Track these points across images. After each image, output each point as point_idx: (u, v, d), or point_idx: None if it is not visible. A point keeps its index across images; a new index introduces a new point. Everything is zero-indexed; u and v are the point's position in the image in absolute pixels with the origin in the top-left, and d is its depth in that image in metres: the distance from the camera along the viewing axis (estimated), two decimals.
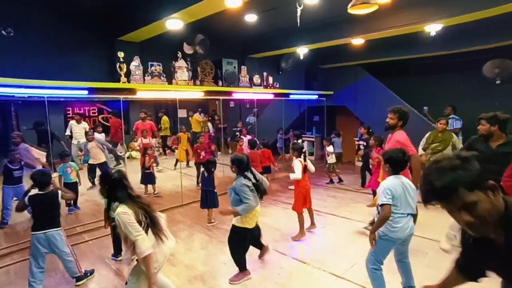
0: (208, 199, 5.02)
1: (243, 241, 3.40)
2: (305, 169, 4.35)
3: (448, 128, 5.98)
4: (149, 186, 6.49)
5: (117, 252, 3.91)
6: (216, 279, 3.50)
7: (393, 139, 3.68)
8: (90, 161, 6.45)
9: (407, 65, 8.41)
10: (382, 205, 2.53)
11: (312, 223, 4.66)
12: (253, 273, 3.55)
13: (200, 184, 6.88)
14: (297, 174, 4.22)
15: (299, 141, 6.93)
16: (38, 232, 3.09)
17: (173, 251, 4.12)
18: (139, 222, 2.19)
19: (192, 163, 8.41)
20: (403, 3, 4.99)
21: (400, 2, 4.77)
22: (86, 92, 4.81)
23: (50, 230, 3.12)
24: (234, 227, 3.37)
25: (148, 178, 6.35)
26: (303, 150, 4.43)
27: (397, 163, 2.65)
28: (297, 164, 4.27)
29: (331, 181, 7.33)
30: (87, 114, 10.21)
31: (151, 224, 2.24)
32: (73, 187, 5.43)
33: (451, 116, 7.17)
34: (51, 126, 5.30)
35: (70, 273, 3.32)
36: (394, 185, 2.58)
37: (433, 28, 5.12)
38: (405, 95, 7.99)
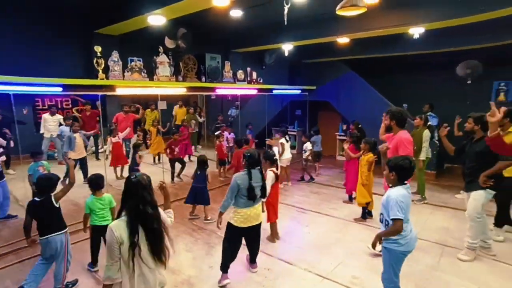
0: (198, 195, 5.01)
1: (227, 235, 3.40)
2: (276, 177, 4.17)
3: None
4: None
5: (94, 261, 3.65)
6: (204, 282, 3.48)
7: (397, 138, 3.71)
8: (72, 156, 6.11)
9: (388, 62, 8.56)
10: (394, 219, 2.43)
11: (275, 233, 4.47)
12: (240, 275, 3.58)
13: (173, 180, 6.85)
14: (268, 188, 3.90)
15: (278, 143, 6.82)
16: (42, 238, 3.08)
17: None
18: (131, 245, 1.92)
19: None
20: (388, 5, 5.06)
21: (385, 4, 4.84)
22: (60, 89, 4.51)
23: (51, 235, 3.07)
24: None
25: None
26: (275, 158, 4.19)
27: (404, 171, 2.53)
28: (269, 176, 4.02)
29: (312, 178, 7.38)
30: (59, 106, 9.67)
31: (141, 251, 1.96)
32: None
33: (428, 114, 7.44)
34: (17, 119, 4.95)
35: (55, 283, 3.17)
36: (404, 196, 2.48)
37: (416, 31, 5.24)
38: (387, 92, 8.17)
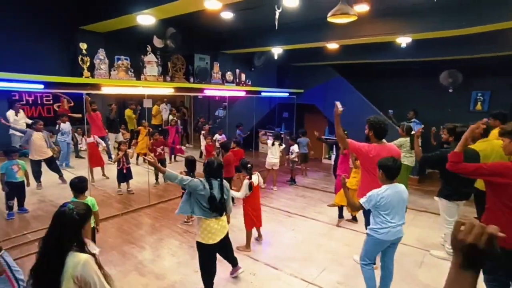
0: None
1: (200, 256, 3.17)
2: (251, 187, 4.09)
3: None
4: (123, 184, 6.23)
5: None
6: None
7: None
8: (33, 156, 5.88)
9: (375, 68, 8.72)
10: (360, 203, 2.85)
11: (259, 235, 4.51)
12: (226, 281, 3.55)
13: (157, 182, 6.75)
14: (239, 194, 4.03)
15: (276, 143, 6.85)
16: None
17: (142, 259, 4.03)
18: None
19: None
20: (378, 15, 5.19)
21: (375, 13, 4.96)
22: (41, 86, 4.33)
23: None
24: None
25: (118, 175, 6.08)
26: (249, 166, 4.13)
27: (388, 169, 2.76)
28: (245, 184, 4.06)
29: (293, 180, 7.45)
30: (39, 102, 9.31)
31: None
32: (19, 187, 4.95)
33: (412, 120, 7.64)
34: None
35: None
36: (384, 193, 2.76)
37: (403, 40, 5.37)
38: (373, 98, 8.32)
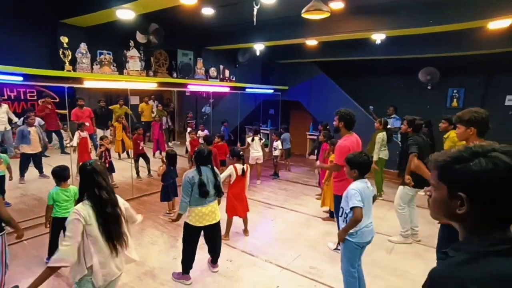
0: (172, 190, 5.08)
1: (184, 235, 3.36)
2: (242, 175, 4.27)
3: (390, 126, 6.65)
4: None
5: (51, 255, 3.61)
6: (167, 274, 3.55)
7: (337, 144, 3.64)
8: (26, 150, 5.87)
9: (357, 65, 8.92)
10: (353, 207, 2.54)
11: (245, 230, 4.58)
12: (202, 265, 3.68)
13: (139, 175, 6.84)
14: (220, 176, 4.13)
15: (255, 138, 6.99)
16: None
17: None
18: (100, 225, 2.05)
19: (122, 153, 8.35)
20: (352, 12, 5.40)
21: (350, 10, 5.17)
22: (20, 78, 4.34)
23: None
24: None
25: None
26: (241, 154, 4.34)
27: (363, 166, 2.68)
28: (229, 169, 4.23)
29: (276, 174, 7.63)
30: (22, 97, 9.26)
31: (106, 235, 2.08)
32: None
33: (392, 116, 7.88)
34: None
35: None
36: (362, 188, 2.63)
37: (378, 37, 5.59)
38: (355, 94, 8.54)
